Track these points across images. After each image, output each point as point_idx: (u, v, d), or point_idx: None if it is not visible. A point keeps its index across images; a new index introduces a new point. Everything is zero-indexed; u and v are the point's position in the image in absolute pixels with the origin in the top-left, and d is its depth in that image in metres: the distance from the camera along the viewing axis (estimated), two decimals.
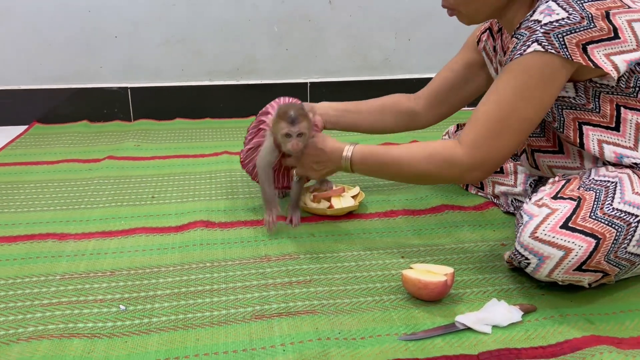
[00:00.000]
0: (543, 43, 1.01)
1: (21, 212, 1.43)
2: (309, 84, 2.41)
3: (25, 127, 2.20)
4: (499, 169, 1.47)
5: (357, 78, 2.44)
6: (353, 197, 1.46)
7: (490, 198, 1.51)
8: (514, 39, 1.08)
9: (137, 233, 1.32)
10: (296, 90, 2.40)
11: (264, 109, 1.46)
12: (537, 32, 1.02)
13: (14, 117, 2.23)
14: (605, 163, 1.11)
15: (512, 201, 1.44)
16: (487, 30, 1.38)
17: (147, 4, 2.20)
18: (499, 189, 1.47)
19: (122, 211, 1.44)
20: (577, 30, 1.00)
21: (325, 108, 1.51)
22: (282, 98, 1.48)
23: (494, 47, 1.34)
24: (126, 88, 2.28)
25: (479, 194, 1.54)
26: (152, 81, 2.30)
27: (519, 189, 1.42)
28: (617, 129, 1.08)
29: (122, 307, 1.03)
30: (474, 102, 2.53)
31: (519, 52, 1.05)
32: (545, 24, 1.01)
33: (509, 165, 1.46)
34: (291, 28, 2.34)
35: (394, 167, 1.20)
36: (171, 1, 2.21)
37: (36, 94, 2.23)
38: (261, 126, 1.42)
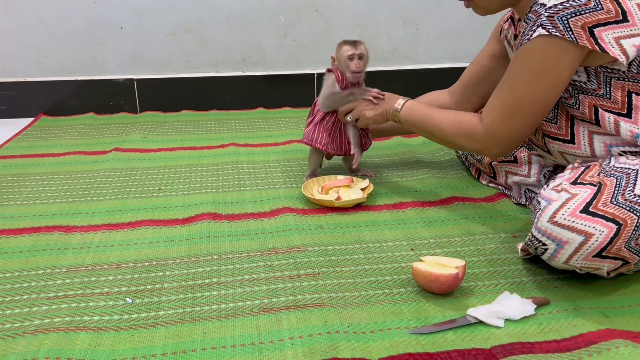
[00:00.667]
0: (547, 27, 1.00)
1: (27, 205, 1.42)
2: (315, 75, 2.39)
3: (32, 119, 2.19)
4: (512, 159, 1.45)
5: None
6: (362, 189, 1.44)
7: (501, 189, 1.49)
8: (523, 23, 1.08)
9: (144, 225, 1.31)
10: (304, 81, 2.38)
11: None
12: (542, 17, 1.01)
13: (20, 109, 2.22)
14: (620, 154, 1.08)
15: (525, 192, 1.42)
16: (509, 19, 1.36)
17: None
18: (512, 178, 1.45)
19: (129, 203, 1.43)
20: (583, 12, 0.98)
21: None
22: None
23: (515, 35, 1.32)
24: (132, 79, 2.27)
25: (491, 184, 1.52)
26: (158, 72, 2.29)
27: (532, 179, 1.40)
28: (629, 115, 1.06)
29: (128, 300, 1.02)
30: None
31: (526, 37, 1.05)
32: (550, 7, 1.01)
33: (523, 155, 1.44)
34: (298, 18, 2.31)
35: (430, 125, 1.31)
36: None
37: (42, 86, 2.22)
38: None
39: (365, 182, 1.46)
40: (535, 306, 0.98)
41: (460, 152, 1.68)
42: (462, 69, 2.58)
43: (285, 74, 2.37)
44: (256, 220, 1.33)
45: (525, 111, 1.11)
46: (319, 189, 1.45)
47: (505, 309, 0.96)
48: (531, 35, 1.03)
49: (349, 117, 1.47)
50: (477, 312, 0.96)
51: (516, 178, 1.44)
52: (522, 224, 1.31)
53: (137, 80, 2.27)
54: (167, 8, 2.21)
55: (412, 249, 1.20)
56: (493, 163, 1.50)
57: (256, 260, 1.15)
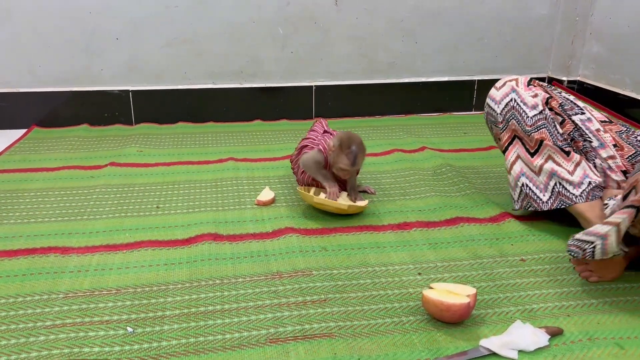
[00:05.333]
0: None
1: (22, 224, 1.38)
2: (314, 88, 2.36)
3: (25, 130, 2.14)
4: (565, 153, 1.35)
5: (363, 81, 2.40)
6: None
7: (524, 172, 1.39)
8: None
9: (143, 247, 1.27)
10: (301, 94, 2.36)
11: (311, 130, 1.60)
12: None
13: (13, 120, 2.18)
14: None
15: (555, 185, 1.34)
16: None
17: (149, 5, 2.14)
18: (550, 165, 1.34)
19: (127, 222, 1.39)
20: None
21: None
22: (321, 121, 1.61)
23: None
24: (127, 91, 2.23)
25: (520, 159, 1.40)
26: (154, 84, 2.25)
27: (572, 177, 1.32)
28: None
29: (129, 329, 0.98)
30: (460, 108, 2.45)
31: None
32: None
33: (576, 156, 1.35)
34: (296, 30, 2.29)
35: None
36: (173, 2, 2.16)
37: (35, 97, 2.18)
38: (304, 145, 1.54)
39: (364, 202, 1.46)
40: (549, 336, 0.96)
41: (496, 112, 1.46)
42: (460, 82, 2.59)
43: (283, 86, 2.35)
44: (258, 242, 1.30)
45: None
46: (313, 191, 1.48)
47: (519, 340, 0.94)
48: None
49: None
50: (489, 343, 0.94)
51: (555, 167, 1.34)
52: (529, 246, 1.29)
53: (132, 91, 2.23)
54: (163, 19, 2.17)
55: (419, 273, 1.17)
56: (545, 141, 1.35)
57: (260, 285, 1.12)
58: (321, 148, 1.47)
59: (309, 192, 1.48)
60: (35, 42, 2.12)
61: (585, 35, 2.42)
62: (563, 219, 1.38)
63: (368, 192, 1.58)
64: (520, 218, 1.43)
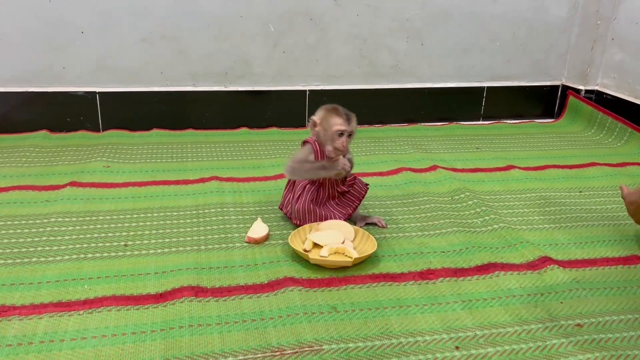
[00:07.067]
0: None
1: None
2: (308, 92, 2.11)
3: None
4: None
5: (363, 86, 2.15)
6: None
7: None
8: None
9: (105, 305, 1.00)
10: (294, 99, 2.10)
11: None
12: None
13: None
14: None
15: None
16: None
17: None
18: None
19: (86, 267, 1.12)
20: None
21: None
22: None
23: None
24: (94, 92, 1.94)
25: None
26: (125, 85, 1.97)
27: None
28: None
29: None
30: (468, 117, 2.23)
31: None
32: None
33: None
34: (290, 27, 2.02)
35: None
36: None
37: None
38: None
39: (372, 245, 1.21)
40: None
41: None
42: (470, 88, 2.35)
43: (273, 89, 2.08)
44: (251, 298, 1.04)
45: None
46: (308, 242, 1.20)
47: None
48: None
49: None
50: None
51: None
52: (582, 304, 1.06)
53: (99, 93, 1.94)
54: (138, 10, 1.89)
55: (456, 347, 0.93)
56: None
57: None
58: (308, 140, 1.28)
59: (304, 241, 1.22)
60: None
61: (606, 40, 2.20)
62: (609, 262, 1.16)
63: (378, 226, 1.34)
64: (563, 264, 1.20)
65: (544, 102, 2.38)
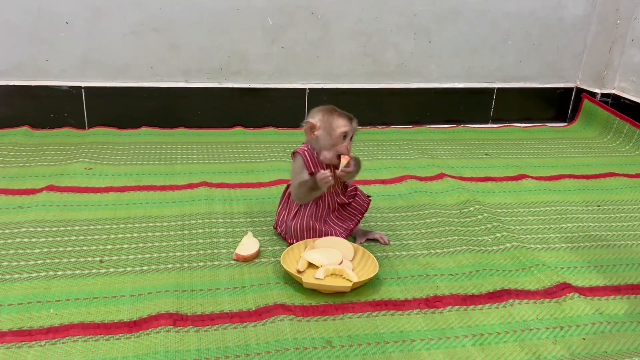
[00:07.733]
0: None
1: None
2: (307, 91, 1.99)
3: None
4: None
5: (366, 85, 2.02)
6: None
7: None
8: None
9: (72, 334, 0.89)
10: (292, 97, 1.98)
11: None
12: None
13: None
14: None
15: None
16: None
17: None
18: None
19: (54, 287, 1.01)
20: None
21: None
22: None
23: None
24: (80, 87, 1.82)
25: None
26: (113, 80, 1.85)
27: None
28: None
29: None
30: (476, 120, 2.11)
31: None
32: None
33: None
34: (290, 21, 1.90)
35: None
36: None
37: None
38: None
39: (373, 267, 1.09)
40: None
41: None
42: (478, 89, 2.23)
43: (271, 87, 1.96)
44: (236, 328, 0.93)
45: None
46: (302, 261, 1.08)
47: None
48: None
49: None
50: None
51: None
52: (607, 341, 0.95)
53: (85, 88, 1.82)
54: (128, 1, 1.77)
55: None
56: None
57: None
58: (297, 152, 1.16)
59: (298, 260, 1.10)
60: None
61: (625, 41, 2.08)
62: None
63: (380, 242, 1.22)
64: (584, 291, 1.08)
65: (556, 105, 2.25)
